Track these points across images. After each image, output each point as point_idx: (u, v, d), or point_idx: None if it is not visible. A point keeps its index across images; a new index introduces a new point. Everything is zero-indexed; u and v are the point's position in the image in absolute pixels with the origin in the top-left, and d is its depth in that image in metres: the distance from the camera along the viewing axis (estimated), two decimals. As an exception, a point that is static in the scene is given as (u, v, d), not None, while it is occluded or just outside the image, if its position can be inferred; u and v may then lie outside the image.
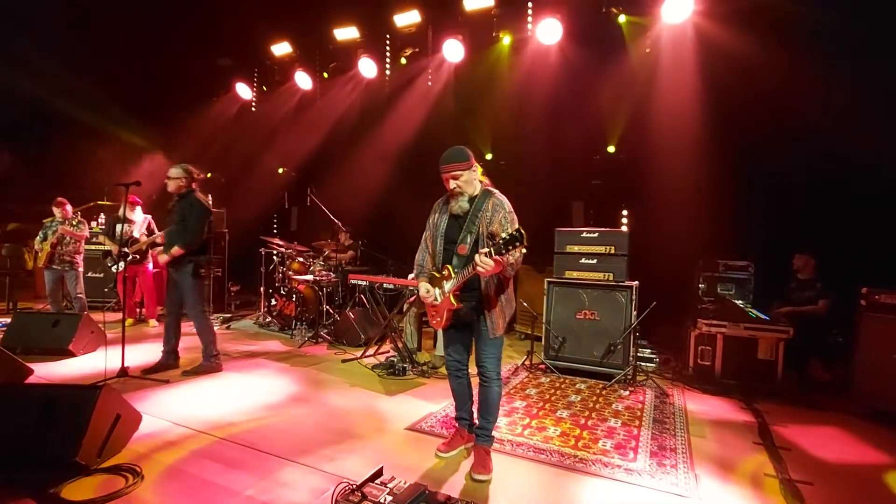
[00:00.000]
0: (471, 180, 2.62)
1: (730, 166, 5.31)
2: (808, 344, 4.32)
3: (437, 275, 2.67)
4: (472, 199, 2.63)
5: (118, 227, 5.10)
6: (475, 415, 2.88)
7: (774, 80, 4.87)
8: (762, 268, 5.18)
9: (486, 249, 2.33)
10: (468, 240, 2.56)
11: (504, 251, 2.28)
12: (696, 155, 5.49)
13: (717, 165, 5.42)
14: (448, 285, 2.57)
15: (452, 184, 2.59)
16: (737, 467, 2.81)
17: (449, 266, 2.59)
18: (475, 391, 2.86)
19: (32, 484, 2.24)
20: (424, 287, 2.69)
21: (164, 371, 4.13)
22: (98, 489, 2.28)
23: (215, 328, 4.48)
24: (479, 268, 2.32)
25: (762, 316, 4.32)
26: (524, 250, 2.35)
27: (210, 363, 4.24)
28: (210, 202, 4.39)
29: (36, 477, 2.28)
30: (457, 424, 2.95)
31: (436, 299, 2.65)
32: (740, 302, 4.90)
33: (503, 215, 2.57)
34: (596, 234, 4.67)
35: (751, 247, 5.27)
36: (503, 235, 2.33)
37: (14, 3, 7.58)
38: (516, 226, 2.45)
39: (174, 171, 4.21)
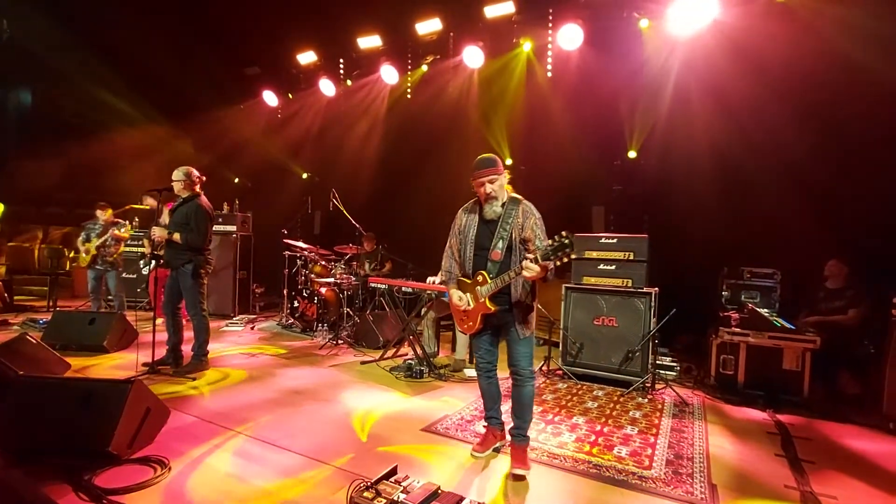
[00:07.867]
0: (503, 185, 2.74)
1: (755, 172, 5.20)
2: (837, 355, 4.18)
3: (468, 280, 2.75)
4: (502, 205, 2.72)
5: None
6: (504, 414, 2.98)
7: (800, 78, 4.77)
8: (789, 276, 5.04)
9: (533, 256, 2.43)
10: (500, 246, 2.65)
11: (552, 257, 2.35)
12: (719, 159, 5.41)
13: (742, 170, 5.33)
14: (484, 290, 2.64)
15: (488, 188, 2.68)
16: (756, 478, 2.76)
17: (483, 272, 2.66)
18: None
19: (69, 471, 2.38)
20: (457, 294, 2.77)
21: (164, 366, 4.26)
22: (128, 478, 2.39)
23: (239, 328, 4.60)
24: (525, 272, 2.42)
25: (788, 325, 4.21)
26: (573, 257, 2.37)
27: (200, 362, 4.35)
28: (211, 206, 4.43)
29: (72, 465, 2.41)
30: (486, 424, 3.02)
31: (468, 305, 2.73)
32: (765, 311, 4.77)
33: (534, 221, 2.68)
34: (615, 240, 4.64)
35: (777, 254, 5.13)
36: (552, 242, 2.37)
37: (58, 19, 8.01)
38: (545, 238, 2.55)
39: (177, 174, 4.34)
